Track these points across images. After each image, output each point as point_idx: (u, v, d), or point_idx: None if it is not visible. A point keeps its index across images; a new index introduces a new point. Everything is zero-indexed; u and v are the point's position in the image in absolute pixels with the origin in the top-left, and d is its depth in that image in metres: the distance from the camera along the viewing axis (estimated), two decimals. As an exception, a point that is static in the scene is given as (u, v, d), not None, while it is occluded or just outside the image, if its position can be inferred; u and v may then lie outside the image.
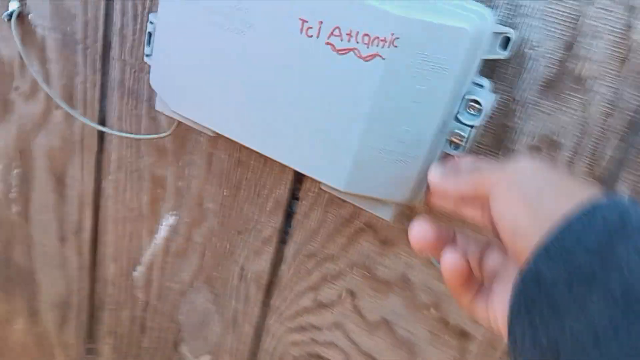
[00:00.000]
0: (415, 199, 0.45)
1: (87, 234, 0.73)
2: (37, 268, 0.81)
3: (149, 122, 0.62)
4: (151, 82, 0.51)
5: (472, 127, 0.41)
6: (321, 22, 0.40)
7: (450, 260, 0.36)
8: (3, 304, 0.89)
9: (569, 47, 0.41)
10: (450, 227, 0.39)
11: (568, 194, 0.31)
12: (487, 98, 0.41)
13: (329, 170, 0.45)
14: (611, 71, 0.40)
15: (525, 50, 0.42)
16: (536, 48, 0.42)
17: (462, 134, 0.42)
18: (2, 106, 0.71)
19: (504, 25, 0.41)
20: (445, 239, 0.38)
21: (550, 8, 0.41)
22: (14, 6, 0.64)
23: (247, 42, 0.43)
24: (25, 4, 0.63)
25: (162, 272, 0.70)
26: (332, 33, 0.40)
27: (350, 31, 0.39)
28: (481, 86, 0.41)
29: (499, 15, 0.42)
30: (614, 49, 0.40)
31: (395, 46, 0.39)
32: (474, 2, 0.40)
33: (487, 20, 0.39)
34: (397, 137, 0.42)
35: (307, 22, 0.41)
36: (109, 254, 0.73)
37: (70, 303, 0.81)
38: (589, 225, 0.28)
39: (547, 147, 0.44)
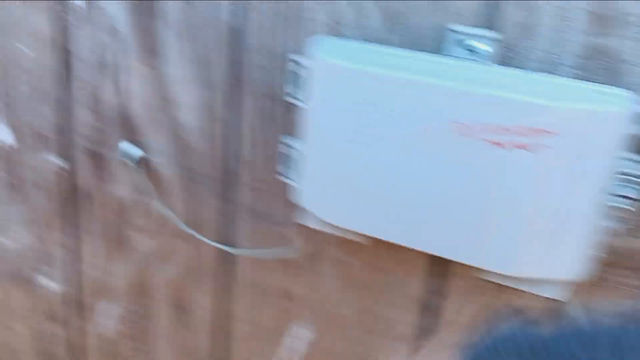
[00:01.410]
0: (580, 275, 0.47)
1: (213, 357, 0.74)
2: (157, 403, 0.81)
3: (278, 240, 0.65)
4: (298, 200, 0.55)
5: (633, 199, 0.44)
6: (479, 123, 0.44)
7: None
8: None
9: None
10: None
11: None
12: (645, 170, 0.44)
13: (494, 257, 0.47)
14: None
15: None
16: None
17: (624, 207, 0.45)
18: (120, 244, 0.75)
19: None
20: None
21: (682, 84, 0.45)
22: (137, 152, 0.70)
23: (403, 148, 0.47)
24: (146, 146, 0.69)
25: (297, 388, 0.70)
26: (490, 130, 0.44)
27: (511, 127, 0.43)
28: (631, 160, 0.45)
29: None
30: None
31: (558, 134, 0.43)
32: (615, 87, 0.44)
33: (631, 102, 0.44)
34: (559, 216, 0.45)
35: (463, 124, 0.45)
36: (237, 376, 0.74)
37: None
38: None
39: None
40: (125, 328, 0.79)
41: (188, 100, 0.64)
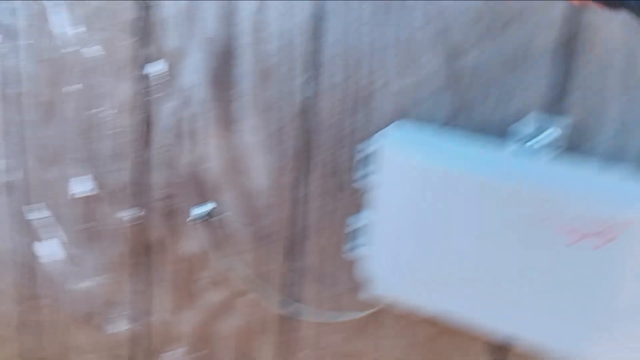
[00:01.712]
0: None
1: (274, 412, 0.76)
2: None
3: (343, 302, 0.67)
4: (368, 272, 0.57)
5: None
6: (557, 218, 0.45)
7: None
8: None
9: None
10: None
11: None
12: None
13: (573, 345, 0.48)
14: None
15: None
16: None
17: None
18: (188, 295, 0.78)
19: None
20: None
21: None
22: (208, 210, 0.73)
23: (480, 232, 0.49)
24: (217, 205, 0.72)
25: None
26: (569, 226, 0.45)
27: (588, 220, 0.44)
28: None
29: None
30: None
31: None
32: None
33: None
34: None
35: (542, 219, 0.46)
36: None
37: None
38: None
39: None
40: (190, 375, 0.82)
41: (259, 166, 0.67)
